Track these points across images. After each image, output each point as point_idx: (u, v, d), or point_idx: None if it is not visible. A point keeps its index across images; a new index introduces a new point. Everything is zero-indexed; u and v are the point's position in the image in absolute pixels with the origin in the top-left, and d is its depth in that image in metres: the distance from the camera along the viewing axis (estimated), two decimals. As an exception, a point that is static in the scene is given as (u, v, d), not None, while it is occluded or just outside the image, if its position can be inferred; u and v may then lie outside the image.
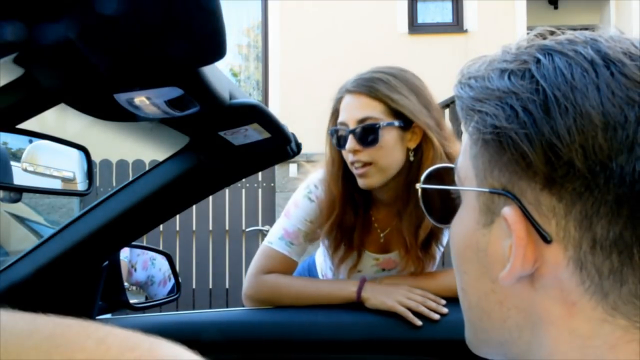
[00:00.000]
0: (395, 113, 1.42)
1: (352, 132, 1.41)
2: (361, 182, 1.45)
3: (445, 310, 1.37)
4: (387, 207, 1.54)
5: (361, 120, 1.41)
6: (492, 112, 0.46)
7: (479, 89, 0.48)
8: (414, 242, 1.47)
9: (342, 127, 1.44)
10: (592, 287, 0.44)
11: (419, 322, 1.35)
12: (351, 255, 1.54)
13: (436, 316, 1.36)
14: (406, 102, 1.42)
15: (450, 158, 1.42)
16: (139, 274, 1.53)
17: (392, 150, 1.42)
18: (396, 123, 1.41)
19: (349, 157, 1.44)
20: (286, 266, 1.51)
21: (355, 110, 1.42)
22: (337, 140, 1.46)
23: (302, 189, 1.55)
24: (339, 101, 1.47)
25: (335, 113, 1.49)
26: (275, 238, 1.53)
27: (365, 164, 1.42)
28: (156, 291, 1.54)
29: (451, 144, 1.46)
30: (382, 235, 1.57)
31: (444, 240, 1.56)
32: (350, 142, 1.41)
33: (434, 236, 1.50)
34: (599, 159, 0.42)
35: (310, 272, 1.84)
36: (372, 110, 1.41)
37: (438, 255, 1.57)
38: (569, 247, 0.44)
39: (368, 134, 1.40)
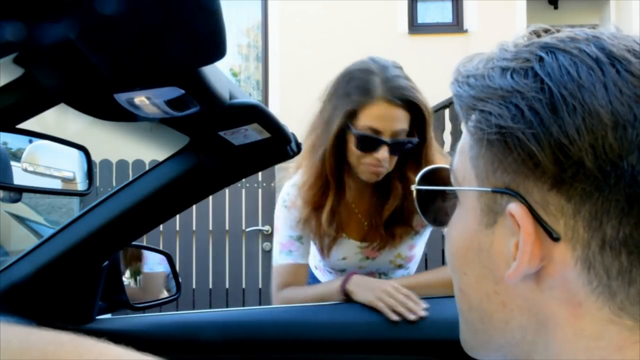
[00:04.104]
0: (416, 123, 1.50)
1: (389, 144, 1.45)
2: (369, 177, 1.51)
3: (423, 313, 1.34)
4: (360, 189, 1.61)
5: (396, 133, 1.46)
6: (496, 111, 0.45)
7: (479, 87, 0.47)
8: (379, 221, 1.58)
9: (374, 135, 1.45)
10: (599, 287, 0.43)
11: (394, 317, 1.34)
12: (337, 240, 1.61)
13: (412, 317, 1.33)
14: (430, 119, 1.51)
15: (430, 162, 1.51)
16: None
17: None
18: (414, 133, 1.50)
19: (367, 159, 1.48)
20: (296, 273, 1.60)
21: (394, 122, 1.45)
22: (360, 143, 1.46)
23: (279, 202, 1.66)
24: (363, 105, 1.46)
25: (353, 113, 1.47)
26: (276, 255, 1.63)
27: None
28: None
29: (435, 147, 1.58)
30: (365, 223, 1.63)
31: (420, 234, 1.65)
32: (384, 152, 1.45)
33: (398, 218, 1.58)
34: (610, 158, 0.41)
35: None
36: (406, 121, 1.47)
37: (414, 249, 1.67)
38: (577, 247, 0.43)
39: (402, 148, 1.48)
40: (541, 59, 0.45)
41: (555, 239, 0.44)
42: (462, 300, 0.53)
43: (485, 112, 0.46)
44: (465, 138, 0.51)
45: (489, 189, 0.47)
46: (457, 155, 0.53)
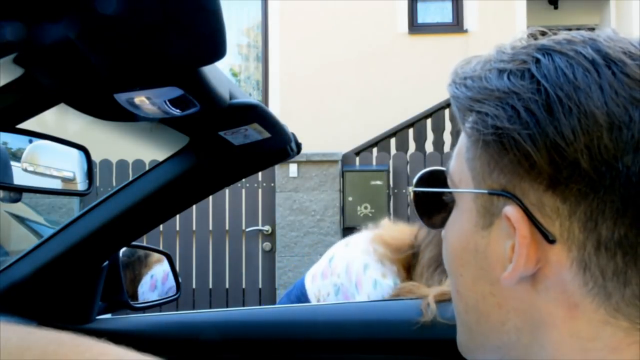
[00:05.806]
0: None
1: None
2: None
3: None
4: None
5: None
6: (493, 112, 0.45)
7: (476, 89, 0.47)
8: None
9: None
10: (595, 288, 0.43)
11: None
12: None
13: None
14: None
15: None
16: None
17: None
18: None
19: None
20: None
21: None
22: None
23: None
24: None
25: None
26: None
27: None
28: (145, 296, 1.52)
29: None
30: None
31: None
32: None
33: None
34: (605, 159, 0.41)
35: (300, 301, 1.88)
36: None
37: None
38: (573, 248, 0.43)
39: None
40: (538, 60, 0.46)
41: (551, 241, 0.44)
42: (458, 302, 0.53)
43: (481, 113, 0.46)
44: (462, 140, 0.52)
45: (485, 191, 0.47)
46: (453, 157, 0.53)
